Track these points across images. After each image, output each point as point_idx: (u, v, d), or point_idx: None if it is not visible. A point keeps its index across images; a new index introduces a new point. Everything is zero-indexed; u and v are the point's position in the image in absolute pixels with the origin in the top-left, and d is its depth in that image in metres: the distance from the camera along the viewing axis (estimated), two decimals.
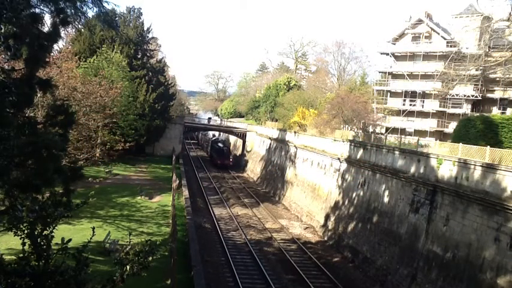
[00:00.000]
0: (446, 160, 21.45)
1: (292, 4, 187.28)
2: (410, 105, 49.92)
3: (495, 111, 43.59)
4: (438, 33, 48.65)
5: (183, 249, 21.13)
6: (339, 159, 33.76)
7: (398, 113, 49.96)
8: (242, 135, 70.26)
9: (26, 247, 6.01)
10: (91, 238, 6.47)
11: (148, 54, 61.20)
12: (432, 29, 49.10)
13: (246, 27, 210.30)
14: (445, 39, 47.94)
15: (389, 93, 52.02)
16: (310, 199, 38.15)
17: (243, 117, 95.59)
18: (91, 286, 6.24)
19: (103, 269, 15.03)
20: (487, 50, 39.15)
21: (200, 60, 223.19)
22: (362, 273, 24.93)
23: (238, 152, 73.33)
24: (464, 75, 39.17)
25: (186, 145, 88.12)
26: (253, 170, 60.55)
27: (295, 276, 23.39)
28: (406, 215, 23.86)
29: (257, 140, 63.79)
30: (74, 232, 18.54)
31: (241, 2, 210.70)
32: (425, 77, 48.16)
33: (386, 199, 26.41)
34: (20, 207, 6.24)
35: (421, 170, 23.29)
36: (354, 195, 30.55)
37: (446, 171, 21.24)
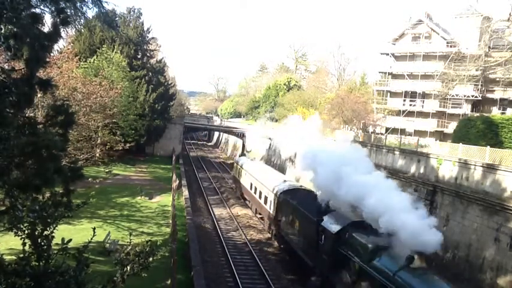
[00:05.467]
0: (446, 160, 21.45)
1: (293, 4, 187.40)
2: (410, 105, 49.91)
3: (495, 112, 43.58)
4: (438, 34, 48.67)
5: (183, 250, 21.13)
6: None
7: (398, 113, 49.93)
8: (242, 136, 70.22)
9: (26, 247, 5.99)
10: (91, 238, 6.47)
11: (148, 54, 61.18)
12: (432, 29, 49.12)
13: (246, 27, 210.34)
14: (445, 39, 47.96)
15: (389, 94, 52.01)
16: None
17: (242, 117, 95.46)
18: (91, 286, 6.23)
19: (103, 269, 15.01)
20: (487, 50, 39.14)
21: (200, 60, 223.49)
22: None
23: (239, 152, 73.25)
24: (464, 75, 39.17)
25: (186, 145, 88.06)
26: None
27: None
28: None
29: (257, 140, 63.70)
30: (74, 232, 18.51)
31: (241, 0, 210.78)
32: (425, 77, 48.15)
33: None
34: (20, 207, 6.22)
35: (421, 170, 23.28)
36: None
37: (446, 171, 21.23)
